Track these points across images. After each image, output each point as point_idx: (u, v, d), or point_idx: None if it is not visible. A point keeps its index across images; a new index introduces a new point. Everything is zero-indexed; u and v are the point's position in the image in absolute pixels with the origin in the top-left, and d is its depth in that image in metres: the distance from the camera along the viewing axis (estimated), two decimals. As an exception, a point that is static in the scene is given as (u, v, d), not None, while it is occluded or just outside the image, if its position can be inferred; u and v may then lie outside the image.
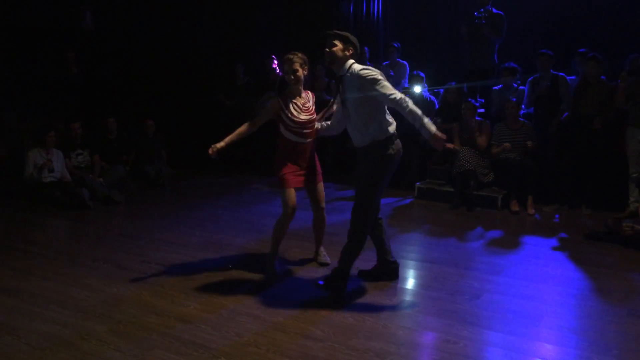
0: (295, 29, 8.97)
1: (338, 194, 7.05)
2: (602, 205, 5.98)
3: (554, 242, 5.10)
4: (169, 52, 9.32)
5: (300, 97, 4.11)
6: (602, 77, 5.94)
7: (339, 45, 3.74)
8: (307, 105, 4.09)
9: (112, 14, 9.09)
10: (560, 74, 6.32)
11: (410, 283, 4.06)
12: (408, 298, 3.76)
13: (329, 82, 7.90)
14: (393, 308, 3.58)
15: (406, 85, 7.32)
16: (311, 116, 4.06)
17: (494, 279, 4.06)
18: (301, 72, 4.06)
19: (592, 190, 6.05)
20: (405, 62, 7.68)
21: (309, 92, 4.23)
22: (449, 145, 6.29)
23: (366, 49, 7.71)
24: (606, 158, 5.94)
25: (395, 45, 7.74)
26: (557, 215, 6.04)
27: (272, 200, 6.71)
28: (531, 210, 6.03)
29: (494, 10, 6.85)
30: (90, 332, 3.21)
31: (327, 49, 3.74)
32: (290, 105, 4.05)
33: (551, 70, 6.32)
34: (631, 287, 3.99)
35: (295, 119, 4.02)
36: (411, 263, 4.48)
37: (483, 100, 6.77)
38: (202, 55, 9.20)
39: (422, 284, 4.02)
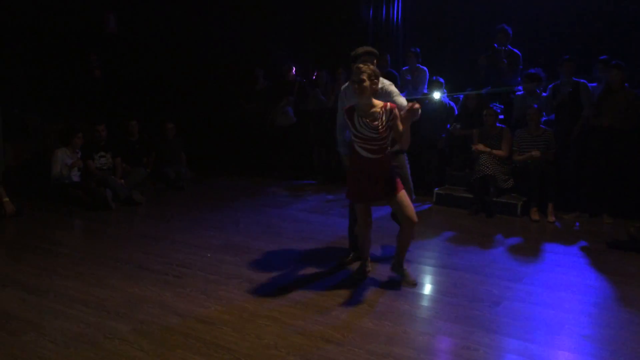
0: (315, 33, 9.02)
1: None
2: (624, 213, 5.92)
3: (574, 250, 5.05)
4: (189, 55, 9.44)
5: (369, 111, 3.73)
6: (626, 84, 5.88)
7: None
8: (375, 123, 3.70)
9: (135, 18, 9.23)
10: (582, 80, 6.28)
11: (429, 289, 4.06)
12: (427, 304, 3.76)
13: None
14: (412, 314, 3.58)
15: (425, 90, 7.32)
16: (377, 134, 3.70)
17: (514, 286, 4.05)
18: (368, 84, 3.65)
19: (613, 198, 5.98)
20: (424, 68, 7.68)
21: (388, 105, 3.76)
22: (475, 147, 6.29)
23: (388, 56, 7.73)
24: (628, 166, 5.88)
25: (415, 50, 7.74)
26: (577, 223, 5.99)
27: (290, 204, 6.75)
28: (551, 218, 5.98)
29: (512, 49, 6.92)
30: (114, 331, 3.27)
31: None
32: (356, 119, 3.75)
33: (573, 77, 6.28)
34: (654, 296, 3.95)
35: (358, 135, 3.76)
36: (430, 269, 4.48)
37: (503, 107, 6.74)
38: (223, 59, 9.29)
39: (441, 290, 4.01)
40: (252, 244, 5.04)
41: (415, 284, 4.03)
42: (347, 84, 4.20)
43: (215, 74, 9.26)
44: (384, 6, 8.84)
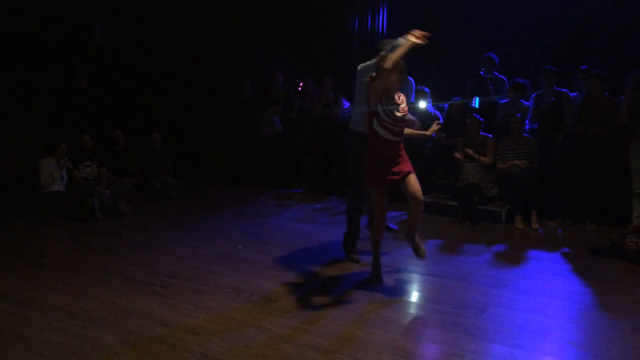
0: (301, 43, 9.08)
1: (344, 207, 7.08)
2: (606, 220, 6.02)
3: (558, 256, 5.13)
4: (176, 65, 9.44)
5: (394, 96, 4.02)
6: (606, 93, 6.00)
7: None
8: (402, 106, 4.03)
9: (121, 28, 9.23)
10: (564, 90, 6.40)
11: (416, 297, 4.10)
12: (414, 311, 3.80)
13: (335, 95, 7.98)
14: (400, 321, 3.61)
15: (412, 100, 7.38)
16: (403, 115, 4.02)
17: (500, 293, 4.10)
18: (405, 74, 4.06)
19: (596, 205, 6.09)
20: (410, 78, 7.73)
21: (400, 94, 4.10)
22: (457, 155, 6.35)
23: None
24: (610, 173, 5.98)
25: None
26: (560, 230, 6.08)
27: (277, 213, 6.77)
28: (535, 225, 6.07)
29: (499, 75, 7.07)
30: (101, 343, 3.25)
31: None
32: (385, 102, 3.95)
33: (554, 87, 6.39)
34: (635, 302, 4.02)
35: (391, 116, 3.95)
36: (417, 277, 4.52)
37: (483, 120, 6.83)
38: (209, 69, 9.31)
39: (428, 298, 4.05)
40: (240, 254, 5.04)
41: (424, 256, 4.23)
42: (367, 63, 4.49)
43: (201, 83, 9.27)
44: (370, 16, 8.92)
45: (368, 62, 4.52)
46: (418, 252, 4.21)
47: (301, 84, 8.35)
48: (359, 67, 4.62)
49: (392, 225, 5.50)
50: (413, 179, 4.03)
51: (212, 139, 8.96)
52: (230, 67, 9.22)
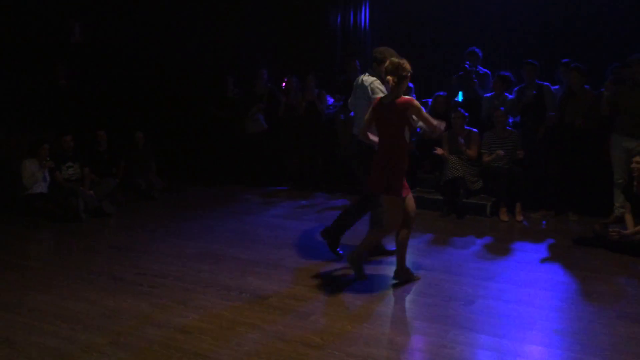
0: (284, 40, 9.06)
1: (330, 203, 7.13)
2: (589, 211, 6.11)
3: (542, 247, 5.20)
4: (158, 63, 9.36)
5: None
6: (586, 86, 6.08)
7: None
8: None
9: (101, 27, 9.12)
10: (545, 83, 6.47)
11: (405, 290, 4.12)
12: (403, 305, 3.83)
13: (319, 92, 7.98)
14: (390, 315, 3.65)
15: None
16: None
17: (487, 285, 4.15)
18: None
19: (578, 197, 6.18)
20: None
21: None
22: (439, 151, 6.40)
23: (357, 61, 7.83)
24: (592, 165, 6.08)
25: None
26: (544, 222, 6.16)
27: (264, 210, 6.76)
28: (519, 217, 6.14)
29: (482, 70, 7.12)
30: (91, 344, 3.23)
31: None
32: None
33: (536, 80, 6.47)
34: (619, 290, 4.10)
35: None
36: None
37: (467, 114, 6.89)
38: (192, 66, 9.24)
39: (417, 291, 4.08)
40: (227, 252, 5.03)
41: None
42: (371, 78, 4.59)
43: (184, 81, 9.20)
44: (352, 12, 8.93)
45: (370, 77, 4.61)
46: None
47: (285, 81, 8.33)
48: (365, 79, 4.64)
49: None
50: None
51: (196, 138, 8.90)
52: (213, 64, 9.16)
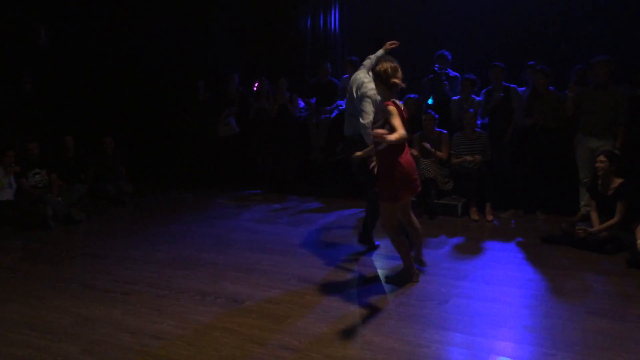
0: (255, 43, 9.05)
1: (303, 206, 7.14)
2: (556, 209, 6.26)
3: (512, 246, 5.31)
4: (127, 67, 9.25)
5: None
6: (551, 87, 6.24)
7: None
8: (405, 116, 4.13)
9: (68, 30, 8.96)
10: (512, 85, 6.62)
11: (380, 291, 4.15)
12: (379, 306, 3.86)
13: (290, 95, 7.99)
14: (366, 316, 3.67)
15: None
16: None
17: (460, 284, 4.22)
18: None
19: (545, 196, 6.33)
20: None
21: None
22: (413, 151, 6.48)
23: (329, 64, 7.87)
24: (558, 164, 6.23)
25: (352, 59, 7.87)
26: (513, 221, 6.28)
27: (237, 214, 6.73)
28: (490, 217, 6.26)
29: (452, 73, 7.23)
30: (64, 354, 3.17)
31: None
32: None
33: (503, 82, 6.61)
34: (587, 286, 4.21)
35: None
36: (379, 271, 4.59)
37: (437, 116, 7.00)
38: (162, 70, 9.14)
39: (392, 291, 4.12)
40: (202, 257, 5.00)
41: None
42: (364, 79, 4.69)
43: (154, 85, 9.10)
44: (322, 15, 8.98)
45: (362, 76, 4.74)
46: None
47: (256, 84, 8.32)
48: (360, 77, 4.75)
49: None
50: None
51: (167, 142, 8.81)
52: (184, 68, 9.09)
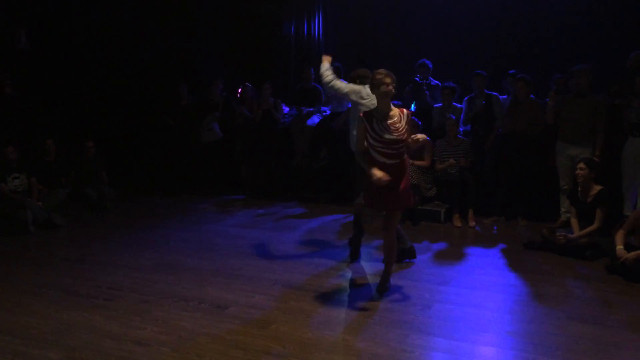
0: (239, 49, 9.04)
1: (287, 211, 7.12)
2: (537, 216, 6.34)
3: (494, 252, 5.36)
4: (109, 71, 9.17)
5: (388, 114, 3.94)
6: (532, 95, 6.34)
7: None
8: (396, 125, 3.92)
9: (49, 33, 8.86)
10: (494, 93, 6.72)
11: (364, 297, 4.17)
12: (363, 311, 3.87)
13: (274, 101, 7.99)
14: (350, 321, 3.68)
15: (349, 105, 7.49)
16: (397, 136, 3.90)
17: (443, 289, 4.25)
18: (392, 88, 3.95)
19: (526, 202, 6.41)
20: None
21: (404, 110, 4.04)
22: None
23: (312, 70, 7.89)
24: (538, 172, 6.32)
25: (337, 65, 7.90)
26: (495, 227, 6.35)
27: (221, 220, 6.70)
28: (472, 223, 6.32)
29: (433, 82, 7.31)
30: (45, 360, 3.13)
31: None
32: (375, 123, 3.91)
33: (485, 90, 6.70)
34: (567, 291, 4.27)
35: (378, 139, 3.91)
36: (363, 277, 4.61)
37: (420, 122, 7.05)
38: (145, 74, 9.09)
39: (375, 297, 4.13)
40: (185, 262, 4.96)
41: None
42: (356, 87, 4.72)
43: (137, 89, 9.04)
44: (305, 22, 9.01)
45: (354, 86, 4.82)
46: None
47: (240, 90, 8.31)
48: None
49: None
50: (395, 215, 4.14)
51: (150, 146, 8.74)
52: (167, 72, 9.03)
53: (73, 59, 9.03)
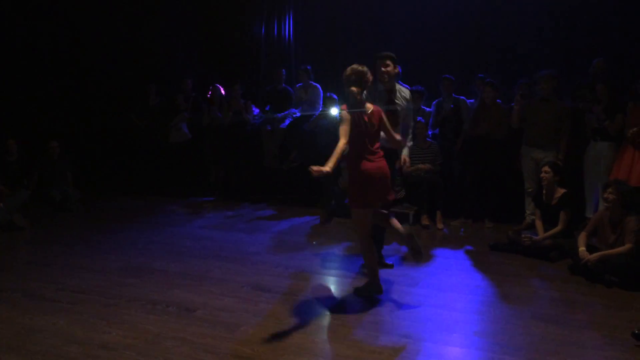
0: (208, 50, 8.97)
1: (257, 213, 7.09)
2: (503, 218, 6.46)
3: (461, 253, 5.44)
4: (76, 69, 8.98)
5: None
6: (498, 100, 6.46)
7: (391, 65, 4.13)
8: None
9: (13, 29, 8.63)
10: (461, 97, 6.83)
11: (332, 299, 4.18)
12: (332, 313, 3.88)
13: (245, 102, 7.95)
14: (319, 324, 3.68)
15: (321, 107, 7.53)
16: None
17: (412, 291, 4.29)
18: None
19: (493, 205, 6.52)
20: (317, 85, 7.88)
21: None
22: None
23: (284, 71, 7.88)
24: (505, 174, 6.45)
25: (306, 68, 7.91)
26: (462, 229, 6.45)
27: (190, 221, 6.62)
28: (440, 225, 6.40)
29: (403, 85, 7.36)
30: (6, 366, 3.04)
31: (382, 69, 4.02)
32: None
33: (453, 94, 6.80)
34: (532, 292, 4.36)
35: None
36: (332, 279, 4.62)
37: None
38: (113, 73, 8.93)
39: (344, 299, 4.15)
40: (152, 265, 4.89)
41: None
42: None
43: (104, 88, 8.88)
44: (276, 23, 8.99)
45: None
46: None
47: (210, 90, 8.24)
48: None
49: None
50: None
51: (117, 147, 8.60)
52: (135, 72, 8.90)
53: (38, 57, 8.82)
